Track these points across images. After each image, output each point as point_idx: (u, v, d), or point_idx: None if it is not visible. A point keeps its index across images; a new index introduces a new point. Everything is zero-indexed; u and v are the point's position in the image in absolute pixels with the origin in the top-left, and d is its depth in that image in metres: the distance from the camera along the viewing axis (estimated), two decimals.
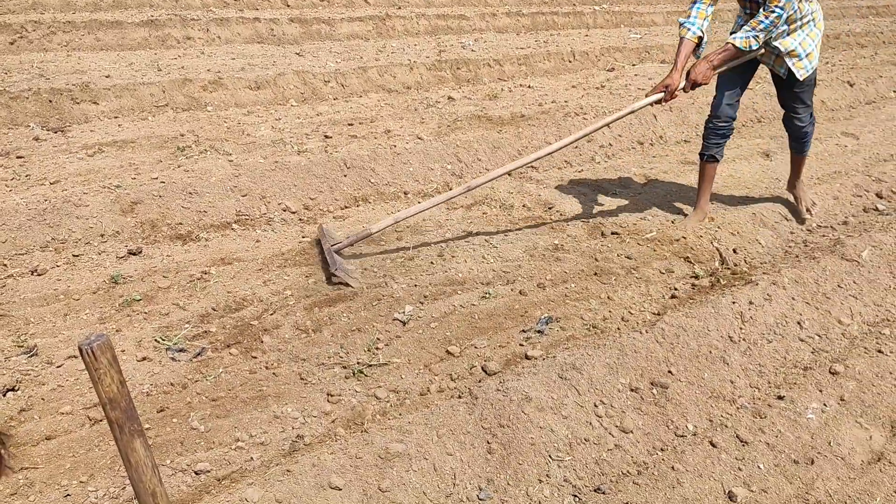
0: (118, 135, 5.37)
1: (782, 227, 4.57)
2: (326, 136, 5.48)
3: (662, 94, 3.94)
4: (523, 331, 3.35)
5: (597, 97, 7.32)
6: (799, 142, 4.51)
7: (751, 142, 6.41)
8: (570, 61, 8.82)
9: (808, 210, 4.78)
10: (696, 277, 3.91)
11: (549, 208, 4.72)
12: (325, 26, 9.32)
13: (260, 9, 9.85)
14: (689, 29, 3.93)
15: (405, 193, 4.90)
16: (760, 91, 7.46)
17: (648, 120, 6.46)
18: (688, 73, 3.93)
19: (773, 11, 3.74)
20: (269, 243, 4.11)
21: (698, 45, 3.99)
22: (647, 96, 4.01)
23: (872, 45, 12.16)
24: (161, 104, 6.14)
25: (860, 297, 3.69)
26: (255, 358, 3.08)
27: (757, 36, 3.82)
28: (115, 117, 5.83)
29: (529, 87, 7.60)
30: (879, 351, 3.29)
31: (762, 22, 3.78)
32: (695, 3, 4.00)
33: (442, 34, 10.24)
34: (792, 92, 4.25)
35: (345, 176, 4.78)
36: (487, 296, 3.61)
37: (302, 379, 2.97)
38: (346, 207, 4.65)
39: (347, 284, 3.60)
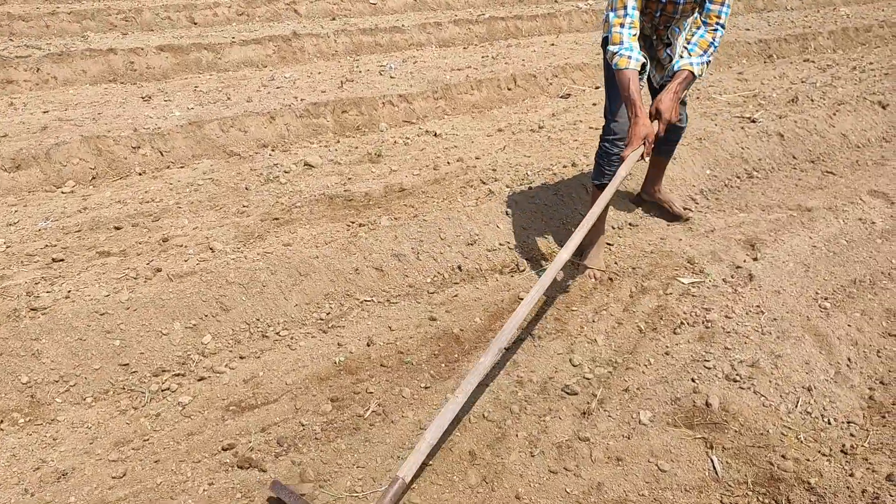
0: None
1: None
2: (56, 259, 3.55)
3: (642, 147, 3.12)
4: None
5: (527, 147, 5.29)
6: (673, 144, 4.07)
7: (730, 219, 4.32)
8: (508, 89, 6.76)
9: (685, 208, 4.35)
10: None
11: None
12: (207, 54, 7.40)
13: (123, 31, 7.98)
14: (629, 57, 3.13)
15: (53, 422, 2.67)
16: (755, 129, 5.35)
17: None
18: (658, 113, 3.22)
19: (716, 29, 3.25)
20: None
21: (641, 71, 3.28)
22: (621, 159, 3.14)
23: None
24: None
25: None
26: None
27: (710, 60, 3.30)
28: None
29: (435, 134, 5.58)
30: None
31: (712, 43, 3.26)
32: (620, 26, 3.14)
33: (366, 54, 8.24)
34: None
35: None
36: None
37: None
38: None
39: None
